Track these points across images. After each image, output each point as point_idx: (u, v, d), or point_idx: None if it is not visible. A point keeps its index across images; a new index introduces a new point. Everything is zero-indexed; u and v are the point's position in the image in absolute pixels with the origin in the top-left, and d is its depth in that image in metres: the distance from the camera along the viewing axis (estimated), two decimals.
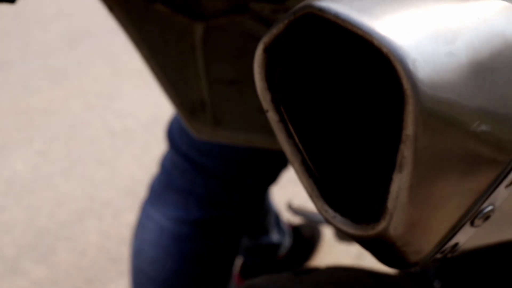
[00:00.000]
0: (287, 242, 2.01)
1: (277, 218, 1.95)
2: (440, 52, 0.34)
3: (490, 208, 0.40)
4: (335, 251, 2.17)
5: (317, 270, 0.77)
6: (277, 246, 1.96)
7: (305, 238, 2.12)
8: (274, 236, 1.94)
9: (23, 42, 3.80)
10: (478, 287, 0.94)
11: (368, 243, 0.40)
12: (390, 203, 0.36)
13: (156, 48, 0.84)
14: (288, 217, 2.16)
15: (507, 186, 0.40)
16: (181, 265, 1.29)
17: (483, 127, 0.36)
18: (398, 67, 0.33)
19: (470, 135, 0.36)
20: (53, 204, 2.45)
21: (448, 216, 0.39)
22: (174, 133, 1.29)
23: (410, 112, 0.33)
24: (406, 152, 0.34)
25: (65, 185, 2.56)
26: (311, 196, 0.41)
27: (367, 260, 2.13)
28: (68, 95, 3.22)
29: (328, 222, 0.41)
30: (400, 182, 0.35)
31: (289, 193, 2.30)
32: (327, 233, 2.20)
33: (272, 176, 1.33)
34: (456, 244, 0.42)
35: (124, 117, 3.01)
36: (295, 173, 0.42)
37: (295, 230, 2.12)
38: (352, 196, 0.40)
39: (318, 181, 0.41)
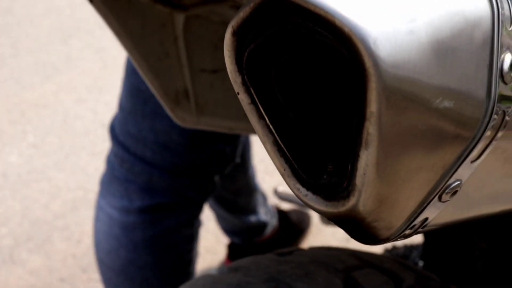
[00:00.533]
0: (272, 222, 2.02)
1: (264, 199, 1.97)
2: (400, 31, 0.34)
3: (457, 183, 0.40)
4: (323, 234, 2.17)
5: (300, 251, 0.77)
6: (264, 225, 1.96)
7: (293, 223, 2.13)
8: (262, 215, 1.94)
9: (15, 38, 3.78)
10: (457, 267, 0.94)
11: (339, 220, 0.40)
12: (358, 180, 0.36)
13: (138, 39, 0.83)
14: (275, 203, 2.16)
15: (472, 161, 0.39)
16: (134, 254, 1.29)
17: (446, 104, 0.35)
18: (360, 46, 0.33)
19: (433, 111, 0.35)
20: (48, 195, 2.45)
21: (416, 191, 0.39)
22: (115, 125, 1.30)
23: (372, 89, 0.33)
24: (371, 129, 0.34)
25: (59, 177, 2.55)
26: (283, 175, 0.41)
27: (354, 242, 2.14)
28: (60, 89, 3.21)
29: (301, 200, 0.41)
30: (366, 159, 0.35)
31: (276, 180, 2.31)
32: (315, 217, 2.20)
33: (214, 166, 1.32)
34: (426, 219, 0.41)
35: (115, 109, 3.00)
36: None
37: (283, 215, 2.12)
38: (323, 174, 0.40)
39: (290, 161, 0.41)
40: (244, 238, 1.96)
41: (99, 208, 1.34)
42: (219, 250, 2.07)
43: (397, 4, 0.35)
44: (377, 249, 1.50)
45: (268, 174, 2.41)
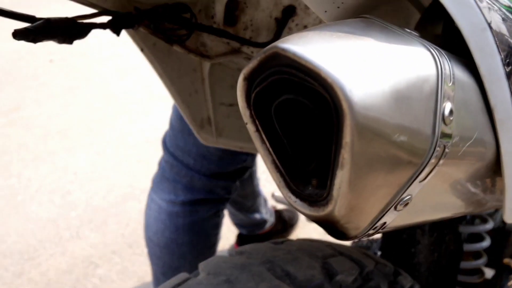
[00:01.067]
0: (271, 220, 2.01)
1: (265, 201, 1.95)
2: (369, 82, 0.33)
3: (408, 197, 0.39)
4: (308, 229, 2.16)
5: (290, 241, 0.75)
6: (264, 221, 1.95)
7: (285, 220, 2.11)
8: (262, 215, 1.93)
9: (87, 74, 3.80)
10: (405, 257, 0.93)
11: (320, 221, 0.39)
12: (335, 192, 0.35)
13: (175, 79, 0.82)
14: (273, 204, 2.16)
15: (420, 181, 0.38)
16: (175, 234, 1.30)
17: (402, 138, 0.34)
18: (339, 93, 0.32)
19: (392, 143, 0.34)
20: (106, 190, 2.45)
21: (378, 202, 0.38)
22: (166, 140, 1.32)
23: (347, 125, 0.32)
24: (346, 155, 0.33)
25: (114, 177, 2.56)
26: (279, 186, 0.40)
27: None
28: (117, 113, 3.22)
29: (291, 205, 0.40)
30: (341, 177, 0.34)
31: (275, 186, 2.29)
32: (302, 215, 2.19)
33: (239, 171, 1.33)
34: (385, 223, 0.40)
35: (157, 129, 3.00)
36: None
37: (278, 213, 2.11)
38: (309, 186, 0.39)
39: (284, 175, 0.40)
40: (249, 230, 1.95)
41: (150, 200, 1.35)
42: (230, 237, 2.06)
43: (368, 63, 0.34)
44: (347, 241, 1.48)
45: (268, 182, 2.41)
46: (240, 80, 0.38)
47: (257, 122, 0.38)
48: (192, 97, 0.86)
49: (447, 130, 0.37)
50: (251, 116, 0.39)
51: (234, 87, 0.89)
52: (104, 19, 0.63)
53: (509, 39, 0.43)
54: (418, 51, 0.37)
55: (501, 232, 1.21)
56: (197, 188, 1.28)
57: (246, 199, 1.82)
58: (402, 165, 0.36)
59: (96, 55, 4.10)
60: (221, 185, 1.31)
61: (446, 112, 0.37)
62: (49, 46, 3.74)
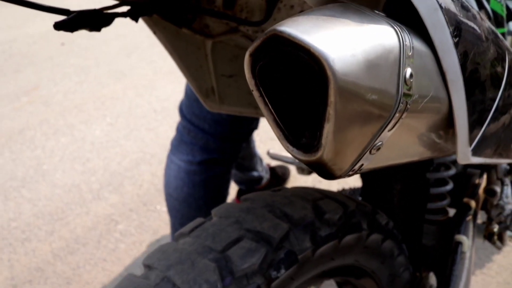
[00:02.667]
0: (266, 176, 2.03)
1: (260, 160, 1.97)
2: (347, 55, 0.37)
3: (380, 143, 0.44)
4: (298, 181, 2.21)
5: (286, 189, 0.79)
6: (260, 178, 1.98)
7: (278, 175, 2.14)
8: (259, 172, 1.96)
9: (96, 53, 3.78)
10: (382, 201, 0.98)
11: (312, 164, 0.44)
12: (323, 141, 0.40)
13: (183, 56, 0.85)
14: (267, 162, 2.19)
15: (389, 130, 0.43)
16: (193, 189, 1.33)
17: (373, 97, 0.39)
18: (324, 63, 0.36)
19: (366, 101, 0.39)
20: (120, 156, 2.48)
21: (356, 148, 0.42)
22: (183, 107, 1.33)
23: (332, 88, 0.37)
24: (331, 111, 0.38)
25: (127, 144, 2.58)
26: (279, 139, 0.45)
27: (319, 185, 2.19)
28: (126, 87, 3.22)
29: (289, 153, 0.45)
30: (328, 129, 0.39)
31: (268, 146, 2.35)
32: (293, 170, 2.24)
33: (246, 133, 1.36)
34: (362, 165, 0.45)
35: (163, 101, 3.02)
36: (270, 128, 0.46)
37: (272, 169, 2.13)
38: (303, 137, 0.44)
39: (283, 130, 0.44)
40: (248, 186, 1.99)
41: (170, 161, 1.37)
42: (231, 192, 2.10)
43: (346, 39, 0.38)
44: (334, 189, 1.53)
45: (262, 143, 2.45)
46: (247, 56, 0.42)
47: (261, 89, 0.43)
48: (198, 71, 0.89)
49: (408, 90, 0.42)
50: (256, 84, 0.43)
51: (232, 61, 0.92)
52: (124, 8, 0.67)
53: (456, 16, 0.48)
54: (384, 28, 0.41)
55: (462, 176, 1.27)
56: (212, 149, 1.31)
57: (245, 159, 1.84)
58: (374, 118, 0.41)
59: (102, 36, 4.07)
60: (232, 147, 1.34)
61: (407, 75, 0.42)
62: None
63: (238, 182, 1.99)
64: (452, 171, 1.08)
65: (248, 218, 0.68)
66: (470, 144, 0.56)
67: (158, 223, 2.02)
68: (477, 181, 1.24)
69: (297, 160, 1.61)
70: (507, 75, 0.60)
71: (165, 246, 0.67)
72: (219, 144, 1.30)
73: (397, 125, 0.44)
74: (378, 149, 0.45)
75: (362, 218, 0.79)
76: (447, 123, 0.52)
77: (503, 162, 0.71)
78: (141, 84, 3.24)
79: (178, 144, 1.35)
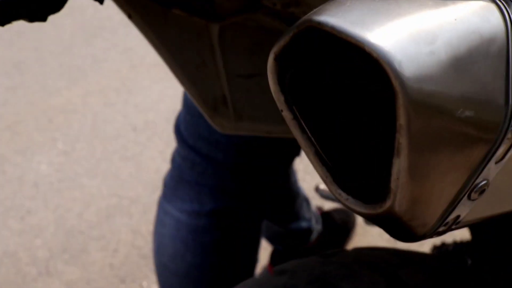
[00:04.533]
0: (317, 227, 2.02)
1: (306, 204, 1.96)
2: (422, 53, 0.40)
3: (484, 182, 0.46)
4: (370, 235, 2.22)
5: (344, 252, 0.81)
6: (308, 231, 1.97)
7: (338, 223, 2.14)
8: (305, 222, 1.94)
9: (36, 41, 3.85)
10: (505, 265, 0.97)
11: (378, 220, 0.46)
12: (393, 184, 0.42)
13: (175, 50, 0.88)
14: (318, 204, 2.18)
15: (497, 162, 0.45)
16: (200, 258, 1.33)
17: (467, 113, 0.41)
18: (387, 68, 0.39)
19: (456, 120, 0.41)
20: (81, 203, 2.52)
21: (446, 192, 0.45)
22: (181, 127, 1.32)
23: (400, 105, 0.39)
24: (401, 139, 0.40)
25: (92, 184, 2.62)
26: (325, 182, 0.48)
27: (402, 243, 2.17)
28: (87, 93, 3.27)
29: (342, 204, 0.48)
30: (399, 165, 0.41)
31: (317, 179, 2.34)
32: (360, 217, 2.22)
33: (282, 164, 1.36)
34: (458, 217, 0.47)
35: (146, 111, 3.06)
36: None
37: (327, 216, 2.13)
38: (361, 180, 0.46)
39: (331, 169, 0.47)
40: (288, 245, 1.98)
41: (163, 213, 1.37)
42: (262, 256, 2.07)
43: (418, 29, 0.41)
44: (426, 247, 1.54)
45: (309, 174, 2.44)
46: (271, 61, 0.45)
47: (295, 108, 0.46)
48: (199, 71, 0.91)
49: None
50: (287, 101, 0.46)
51: (254, 52, 0.94)
52: None
53: None
54: (478, 5, 0.43)
55: None
56: (229, 192, 1.31)
57: (282, 203, 1.81)
58: (472, 144, 0.43)
59: None
60: (260, 186, 1.34)
61: None
62: None
63: (271, 240, 2.00)
64: None
65: None
66: None
67: None
68: None
69: None
70: None
71: None
72: (241, 184, 1.31)
73: (510, 152, 0.46)
74: (482, 191, 0.47)
75: None
76: None
77: None
78: (111, 87, 3.29)
79: (175, 185, 1.36)
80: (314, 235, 2.00)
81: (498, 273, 0.98)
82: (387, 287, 0.73)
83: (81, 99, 3.22)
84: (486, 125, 0.44)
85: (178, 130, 1.34)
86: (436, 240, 2.01)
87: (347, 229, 2.17)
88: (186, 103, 1.30)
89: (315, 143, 0.47)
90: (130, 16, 0.83)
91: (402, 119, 0.40)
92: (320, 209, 2.16)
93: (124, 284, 2.15)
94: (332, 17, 0.41)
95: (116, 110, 3.10)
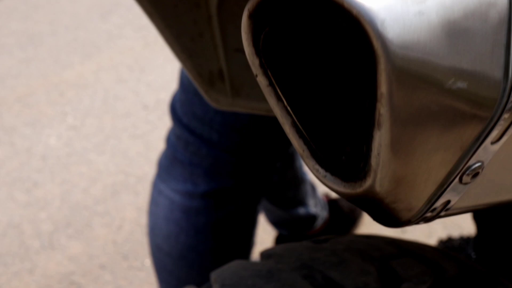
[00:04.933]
0: (323, 214, 2.00)
1: (313, 189, 1.94)
2: (409, 12, 0.35)
3: (478, 164, 0.41)
4: (378, 224, 2.17)
5: (337, 238, 0.77)
6: (314, 217, 1.95)
7: (344, 211, 2.12)
8: (311, 208, 1.92)
9: (52, 15, 3.84)
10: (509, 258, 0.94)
11: (358, 201, 0.42)
12: (373, 160, 0.38)
13: (170, 19, 0.84)
14: (324, 190, 2.15)
15: (493, 142, 0.41)
16: (194, 239, 1.31)
17: (459, 84, 0.37)
18: (367, 28, 0.34)
19: (446, 92, 0.37)
20: (88, 179, 2.51)
21: (434, 172, 0.40)
22: (176, 105, 1.30)
23: (382, 71, 0.35)
24: (382, 110, 0.36)
25: (100, 160, 2.61)
26: (302, 156, 0.43)
27: (410, 234, 2.14)
28: (100, 68, 3.26)
29: (320, 181, 0.43)
30: (380, 139, 0.37)
31: None
32: None
33: (282, 146, 1.32)
34: (448, 202, 0.43)
35: (158, 90, 3.04)
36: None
37: (334, 203, 2.11)
38: (341, 155, 0.42)
39: (308, 142, 0.43)
40: (292, 230, 1.96)
41: (157, 192, 1.35)
42: (265, 240, 2.09)
43: None
44: (432, 240, 1.50)
45: None
46: (245, 19, 0.41)
47: (270, 73, 0.42)
48: (195, 43, 0.88)
49: None
50: (262, 65, 0.42)
51: None
52: None
53: None
54: None
55: None
56: (224, 173, 1.28)
57: (285, 188, 1.82)
58: (464, 120, 0.38)
59: None
60: (258, 169, 1.31)
61: None
62: None
63: (276, 225, 1.98)
64: None
65: None
66: None
67: None
68: None
69: None
70: None
71: None
72: (237, 165, 1.28)
73: (509, 132, 0.41)
74: (476, 174, 0.42)
75: None
76: None
77: None
78: (124, 64, 3.27)
79: (169, 164, 1.34)
80: (319, 222, 1.98)
81: (502, 267, 0.95)
82: (378, 278, 0.69)
83: (94, 75, 3.20)
84: (481, 101, 0.39)
85: (173, 109, 1.31)
86: (443, 234, 1.98)
87: (354, 218, 2.14)
88: (182, 81, 1.27)
89: (292, 113, 0.42)
90: None
91: (383, 87, 0.36)
92: (327, 196, 2.14)
93: (126, 261, 2.13)
94: None
95: (128, 87, 3.08)
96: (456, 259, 0.78)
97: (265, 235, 2.07)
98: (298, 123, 0.42)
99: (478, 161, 0.41)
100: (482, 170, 0.42)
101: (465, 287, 0.74)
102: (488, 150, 0.41)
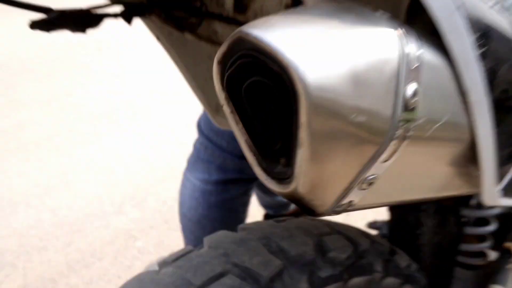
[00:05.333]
0: None
1: None
2: (326, 64, 0.32)
3: (372, 176, 0.38)
4: None
5: (291, 219, 0.74)
6: (289, 203, 1.92)
7: None
8: None
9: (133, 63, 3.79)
10: (411, 238, 0.90)
11: (288, 197, 0.38)
12: (296, 170, 0.35)
13: (190, 66, 0.81)
14: None
15: (384, 161, 0.37)
16: (207, 210, 1.31)
17: (359, 118, 0.33)
18: (293, 74, 0.31)
19: (349, 123, 0.33)
20: (146, 170, 2.48)
21: (340, 181, 0.36)
22: (201, 123, 1.31)
23: (303, 106, 0.31)
24: (302, 134, 0.32)
25: (156, 158, 2.57)
26: (252, 164, 0.40)
27: (352, 217, 2.09)
28: (161, 102, 3.21)
29: (263, 182, 0.40)
30: (301, 155, 0.34)
31: None
32: None
33: None
34: (351, 202, 0.39)
35: (196, 115, 3.01)
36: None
37: None
38: (277, 165, 0.38)
39: (257, 154, 0.39)
40: (275, 211, 1.93)
41: (185, 179, 1.36)
42: (258, 215, 2.05)
43: (327, 46, 0.33)
44: (362, 223, 1.44)
45: None
46: (215, 64, 0.37)
47: (231, 104, 0.38)
48: (207, 83, 0.85)
49: (409, 112, 0.35)
50: (226, 98, 0.38)
51: None
52: (117, 8, 0.64)
53: (484, 20, 0.40)
54: (382, 32, 0.35)
55: (509, 217, 1.16)
56: (229, 168, 1.28)
57: None
58: (362, 145, 0.35)
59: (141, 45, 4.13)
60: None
61: (408, 93, 0.35)
62: (98, 35, 3.77)
63: (265, 206, 1.94)
64: (496, 210, 0.98)
65: (239, 251, 0.63)
66: (499, 182, 0.48)
67: (178, 243, 1.98)
68: None
69: None
70: None
71: (144, 274, 0.62)
72: (237, 163, 1.27)
73: (396, 155, 0.37)
74: (371, 183, 0.38)
75: (376, 258, 0.72)
76: (470, 156, 0.45)
77: None
78: (176, 100, 3.24)
79: (194, 161, 1.33)
80: (292, 206, 1.94)
81: (404, 243, 0.91)
82: (314, 247, 0.66)
83: (156, 104, 3.15)
84: (375, 131, 0.35)
85: (199, 125, 1.33)
86: (371, 218, 1.92)
87: None
88: None
89: (245, 133, 0.39)
90: (158, 38, 0.76)
91: (304, 117, 0.32)
92: None
93: (167, 224, 2.10)
94: (256, 29, 0.33)
95: (177, 113, 3.04)
96: (369, 237, 0.75)
97: (257, 212, 2.04)
98: (249, 140, 0.39)
99: (373, 174, 0.38)
100: (376, 180, 0.38)
101: (373, 255, 0.71)
102: (380, 167, 0.37)
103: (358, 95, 0.33)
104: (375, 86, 0.33)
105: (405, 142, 0.37)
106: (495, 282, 0.99)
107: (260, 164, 0.39)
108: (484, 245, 0.99)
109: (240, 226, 0.72)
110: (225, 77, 0.37)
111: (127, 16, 0.62)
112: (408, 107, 0.35)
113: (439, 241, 0.91)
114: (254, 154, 0.39)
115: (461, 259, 0.98)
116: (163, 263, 0.65)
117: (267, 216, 1.98)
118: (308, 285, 0.61)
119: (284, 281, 0.60)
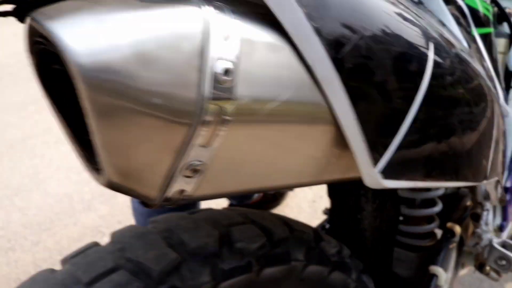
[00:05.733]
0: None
1: None
2: (105, 44, 0.29)
3: (198, 162, 0.34)
4: (298, 197, 2.11)
5: (202, 211, 0.71)
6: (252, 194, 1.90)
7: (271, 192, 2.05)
8: None
9: None
10: (351, 225, 0.88)
11: (111, 187, 0.35)
12: (100, 159, 0.32)
13: None
14: None
15: (202, 146, 0.33)
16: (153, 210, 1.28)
17: (155, 100, 0.30)
18: (68, 57, 0.28)
19: (144, 106, 0.30)
20: None
21: (156, 169, 0.33)
22: None
23: (81, 90, 0.28)
24: (90, 121, 0.29)
25: None
26: (78, 157, 0.37)
27: (320, 203, 2.08)
28: None
29: (88, 173, 0.37)
30: (98, 143, 0.30)
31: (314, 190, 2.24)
32: None
33: None
34: (183, 191, 0.36)
35: None
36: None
37: None
38: (95, 157, 0.36)
39: (77, 146, 0.36)
40: (239, 201, 1.91)
41: None
42: (224, 204, 2.03)
43: (110, 28, 0.29)
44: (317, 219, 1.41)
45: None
46: (28, 56, 0.35)
47: (49, 95, 0.35)
48: None
49: (223, 92, 0.32)
50: (44, 89, 0.35)
51: None
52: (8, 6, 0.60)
53: None
54: (180, 11, 0.32)
55: (453, 197, 1.15)
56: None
57: None
58: (167, 128, 0.32)
59: None
60: None
61: (218, 71, 0.32)
62: None
63: (230, 197, 1.91)
64: (441, 191, 0.97)
65: (136, 245, 0.60)
66: (375, 164, 0.46)
67: None
68: (468, 203, 1.10)
69: None
70: (429, 82, 0.49)
71: (39, 274, 0.60)
72: None
73: (218, 139, 0.34)
74: (196, 170, 0.35)
75: (296, 246, 0.69)
76: (338, 136, 0.42)
77: (438, 185, 0.59)
78: None
79: None
80: (255, 196, 1.95)
81: (346, 229, 0.89)
82: (218, 239, 0.62)
83: None
84: (179, 113, 0.32)
85: None
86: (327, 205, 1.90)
87: (281, 193, 2.06)
88: None
89: (67, 125, 0.36)
90: None
91: (86, 103, 0.29)
92: None
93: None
94: (41, 15, 0.30)
95: None
96: (289, 225, 0.71)
97: (224, 204, 2.02)
98: (71, 132, 0.36)
99: (196, 160, 0.34)
100: (206, 167, 0.35)
101: (292, 243, 0.68)
102: (201, 152, 0.34)
103: (150, 76, 0.29)
104: (170, 66, 0.30)
105: (229, 125, 0.34)
106: (435, 263, 0.97)
107: (82, 155, 0.36)
108: (433, 226, 0.98)
109: (151, 219, 0.69)
110: (37, 67, 0.34)
111: (19, 15, 0.59)
112: (220, 87, 0.32)
113: (379, 225, 0.89)
114: (74, 145, 0.36)
115: (407, 241, 0.96)
116: (64, 261, 0.62)
117: (231, 205, 1.94)
118: (211, 278, 0.58)
119: (182, 275, 0.57)
